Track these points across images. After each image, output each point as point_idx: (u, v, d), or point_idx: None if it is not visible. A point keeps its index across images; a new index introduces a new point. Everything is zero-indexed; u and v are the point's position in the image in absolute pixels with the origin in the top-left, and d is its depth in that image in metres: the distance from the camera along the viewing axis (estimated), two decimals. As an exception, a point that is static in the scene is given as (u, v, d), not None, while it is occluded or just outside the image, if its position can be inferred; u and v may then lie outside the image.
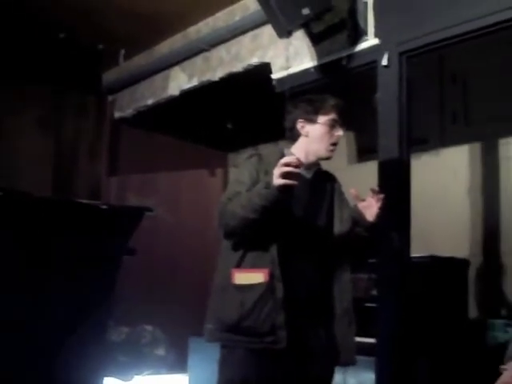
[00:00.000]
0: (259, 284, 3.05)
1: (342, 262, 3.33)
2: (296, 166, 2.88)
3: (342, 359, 3.25)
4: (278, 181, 2.87)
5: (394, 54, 4.33)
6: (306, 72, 4.98)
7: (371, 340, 4.28)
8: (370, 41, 4.55)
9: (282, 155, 3.25)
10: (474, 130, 5.92)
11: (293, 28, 4.61)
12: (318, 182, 3.36)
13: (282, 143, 3.48)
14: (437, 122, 6.17)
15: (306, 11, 4.31)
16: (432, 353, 4.69)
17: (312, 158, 3.31)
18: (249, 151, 3.40)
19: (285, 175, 2.86)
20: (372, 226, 3.21)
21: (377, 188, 3.23)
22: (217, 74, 5.91)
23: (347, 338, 3.26)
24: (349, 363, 3.31)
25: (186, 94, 6.30)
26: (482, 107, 5.85)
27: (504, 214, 5.66)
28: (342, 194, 3.45)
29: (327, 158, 3.32)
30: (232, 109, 7.03)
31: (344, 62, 4.68)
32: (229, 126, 7.46)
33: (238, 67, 5.70)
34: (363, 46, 4.59)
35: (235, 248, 3.15)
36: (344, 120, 3.31)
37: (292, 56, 5.06)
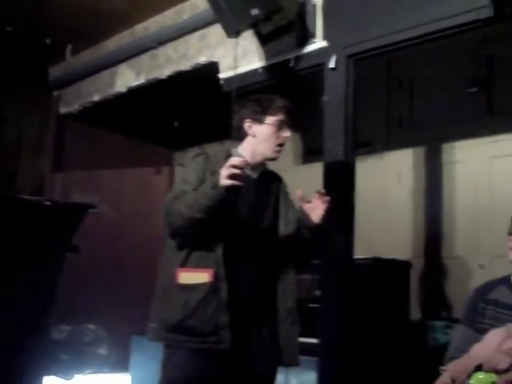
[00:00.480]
0: (203, 284, 3.04)
1: (286, 262, 3.34)
2: (242, 168, 2.89)
3: (285, 359, 3.26)
4: (224, 181, 2.88)
5: (341, 57, 4.35)
6: (253, 72, 4.98)
7: (314, 340, 4.30)
8: (318, 43, 4.57)
9: (229, 155, 3.25)
10: (418, 134, 5.99)
11: (241, 28, 4.60)
12: (263, 182, 3.36)
13: (228, 143, 3.47)
14: (383, 125, 6.24)
15: (255, 11, 4.31)
16: (374, 354, 4.73)
17: (258, 159, 3.30)
18: (195, 150, 3.39)
19: (231, 176, 2.87)
20: (317, 228, 3.22)
21: (323, 190, 3.25)
22: (164, 72, 5.87)
23: (291, 338, 3.28)
24: (292, 363, 3.32)
25: (133, 91, 6.25)
26: (428, 112, 5.92)
27: (446, 217, 5.74)
28: (287, 194, 3.45)
29: (273, 159, 3.32)
30: (179, 107, 7.01)
31: (292, 64, 4.68)
32: (175, 124, 7.43)
33: (185, 66, 5.68)
34: (311, 48, 4.61)
35: (180, 247, 3.13)
36: (291, 121, 3.32)
37: (240, 56, 5.05)
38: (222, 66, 5.31)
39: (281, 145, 3.29)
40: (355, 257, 4.35)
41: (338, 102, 4.31)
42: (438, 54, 5.50)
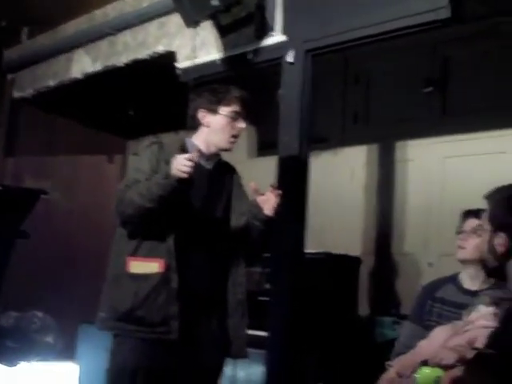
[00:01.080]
0: (154, 274, 3.04)
1: (237, 254, 3.35)
2: (195, 161, 2.92)
3: (233, 351, 3.28)
4: (176, 172, 2.90)
5: (299, 52, 4.35)
6: (211, 63, 4.96)
7: (263, 333, 4.31)
8: (277, 37, 4.57)
9: (184, 144, 3.27)
10: (373, 131, 6.02)
11: (200, 18, 4.60)
12: (217, 173, 3.37)
13: (183, 133, 3.46)
14: (338, 121, 6.26)
15: (214, 2, 4.30)
16: (322, 348, 4.76)
17: (213, 149, 3.30)
18: (150, 138, 3.38)
19: (183, 168, 2.89)
20: (269, 221, 3.23)
21: (275, 184, 3.26)
22: (121, 60, 5.81)
23: (239, 330, 3.29)
24: (240, 355, 3.34)
25: (89, 78, 6.18)
26: (383, 109, 5.96)
27: (397, 215, 5.79)
28: (240, 186, 3.46)
29: (227, 150, 3.33)
30: (135, 96, 6.95)
31: (250, 56, 4.68)
32: (130, 112, 7.37)
33: (143, 54, 5.62)
34: (270, 41, 4.60)
35: (131, 236, 3.13)
36: (247, 112, 3.32)
37: (198, 46, 5.03)
38: (179, 56, 5.27)
39: (235, 136, 3.29)
40: (306, 251, 4.37)
41: (295, 96, 4.32)
42: (396, 52, 5.55)
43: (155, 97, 6.77)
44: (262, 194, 3.19)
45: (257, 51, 4.65)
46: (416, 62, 5.69)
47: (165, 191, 2.95)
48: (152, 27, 5.57)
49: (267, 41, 4.62)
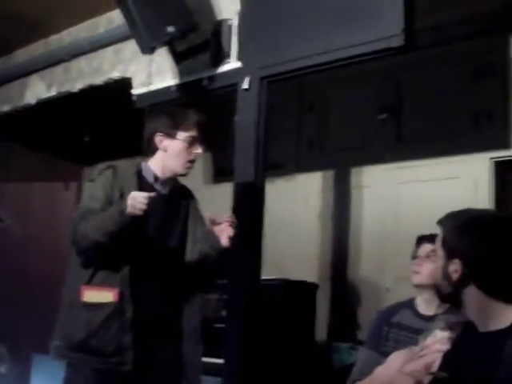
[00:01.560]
0: (108, 303, 3.02)
1: (192, 282, 3.33)
2: (152, 199, 2.91)
3: (188, 379, 3.25)
4: (132, 210, 2.89)
5: (255, 79, 4.36)
6: (167, 90, 4.95)
7: (219, 361, 4.28)
8: (233, 63, 4.57)
9: (140, 169, 3.25)
10: (328, 157, 6.06)
11: (156, 45, 4.58)
12: (173, 198, 3.35)
13: (139, 158, 3.42)
14: (293, 148, 6.29)
15: (170, 29, 4.30)
16: (279, 375, 4.74)
17: (168, 174, 3.29)
18: (104, 164, 3.35)
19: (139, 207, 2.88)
20: (225, 250, 3.22)
21: (232, 211, 3.26)
22: (76, 86, 5.78)
23: (194, 357, 3.27)
24: (194, 383, 3.30)
25: (44, 104, 6.13)
26: (338, 136, 6.00)
27: (352, 241, 5.82)
28: (197, 210, 3.43)
29: (183, 175, 3.32)
30: (90, 122, 6.91)
31: (205, 83, 4.68)
32: (86, 139, 7.32)
33: (98, 80, 5.61)
34: (225, 68, 4.61)
35: (85, 265, 3.10)
36: (204, 138, 3.31)
37: (154, 73, 5.03)
38: (135, 82, 5.26)
39: (192, 161, 3.29)
40: (263, 278, 4.36)
41: (250, 122, 4.31)
42: (351, 80, 5.60)
43: (111, 123, 6.73)
44: (218, 224, 3.18)
45: (212, 78, 4.65)
46: (370, 89, 5.75)
47: (119, 228, 2.93)
48: (107, 53, 5.55)
49: (223, 67, 4.62)
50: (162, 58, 4.96)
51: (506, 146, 5.04)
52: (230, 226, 3.16)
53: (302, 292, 5.30)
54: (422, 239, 3.51)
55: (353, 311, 5.70)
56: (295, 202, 6.12)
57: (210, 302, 4.87)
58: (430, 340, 2.88)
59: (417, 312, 3.46)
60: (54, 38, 6.09)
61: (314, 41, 4.14)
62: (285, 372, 4.82)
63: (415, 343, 3.02)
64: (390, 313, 3.56)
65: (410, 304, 3.53)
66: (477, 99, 5.20)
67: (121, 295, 3.02)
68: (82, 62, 5.78)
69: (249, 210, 4.17)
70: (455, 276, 2.26)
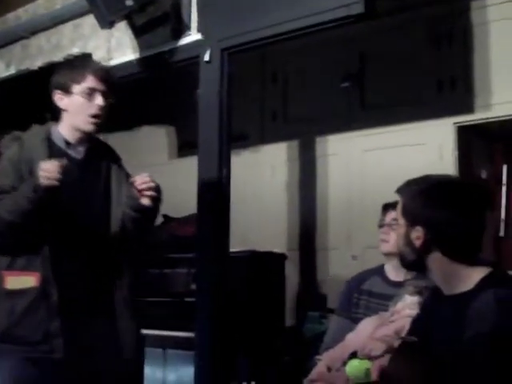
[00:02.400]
0: (30, 289, 2.81)
1: (122, 253, 3.07)
2: (62, 166, 2.69)
3: (126, 354, 3.02)
4: (44, 181, 2.68)
5: (216, 50, 4.33)
6: (127, 64, 4.88)
7: (191, 334, 4.28)
8: (193, 36, 4.53)
9: (49, 134, 3.05)
10: (292, 127, 6.06)
11: (115, 19, 4.52)
12: (91, 161, 3.05)
13: (51, 122, 3.18)
14: (257, 119, 6.28)
15: (129, 2, 4.24)
16: (250, 346, 4.76)
17: (78, 134, 3.00)
18: (10, 135, 3.16)
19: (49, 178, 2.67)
20: (145, 210, 2.93)
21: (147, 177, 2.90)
22: (36, 63, 5.69)
23: (129, 332, 3.02)
24: (132, 357, 3.05)
25: (2, 83, 6.04)
26: (302, 106, 6.00)
27: (319, 210, 5.84)
28: (121, 171, 3.13)
29: (90, 132, 3.01)
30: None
31: (166, 56, 4.64)
32: (47, 116, 7.23)
33: (58, 56, 5.51)
34: (186, 40, 4.56)
35: (3, 251, 2.88)
36: (108, 87, 3.01)
37: (114, 47, 4.96)
38: (95, 58, 5.18)
39: (96, 116, 2.97)
40: (231, 250, 4.36)
41: (213, 95, 4.29)
42: (313, 49, 5.59)
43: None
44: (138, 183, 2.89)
45: (173, 51, 4.60)
46: (333, 57, 5.74)
47: (34, 205, 2.72)
48: (66, 29, 5.46)
49: (183, 40, 4.57)
50: (122, 32, 4.89)
51: (469, 111, 5.07)
52: (144, 183, 2.85)
53: (270, 263, 5.31)
54: (387, 207, 3.52)
55: (321, 280, 5.74)
56: (261, 173, 6.12)
57: (180, 276, 4.86)
58: (399, 305, 2.91)
59: (386, 278, 3.48)
60: (10, 15, 5.97)
61: (273, 11, 4.11)
62: (256, 344, 4.84)
63: (386, 309, 3.05)
64: (359, 280, 3.58)
65: (379, 271, 3.54)
66: (439, 65, 5.23)
67: (43, 278, 2.80)
68: (40, 39, 5.68)
69: (215, 183, 4.16)
70: (418, 243, 2.27)
